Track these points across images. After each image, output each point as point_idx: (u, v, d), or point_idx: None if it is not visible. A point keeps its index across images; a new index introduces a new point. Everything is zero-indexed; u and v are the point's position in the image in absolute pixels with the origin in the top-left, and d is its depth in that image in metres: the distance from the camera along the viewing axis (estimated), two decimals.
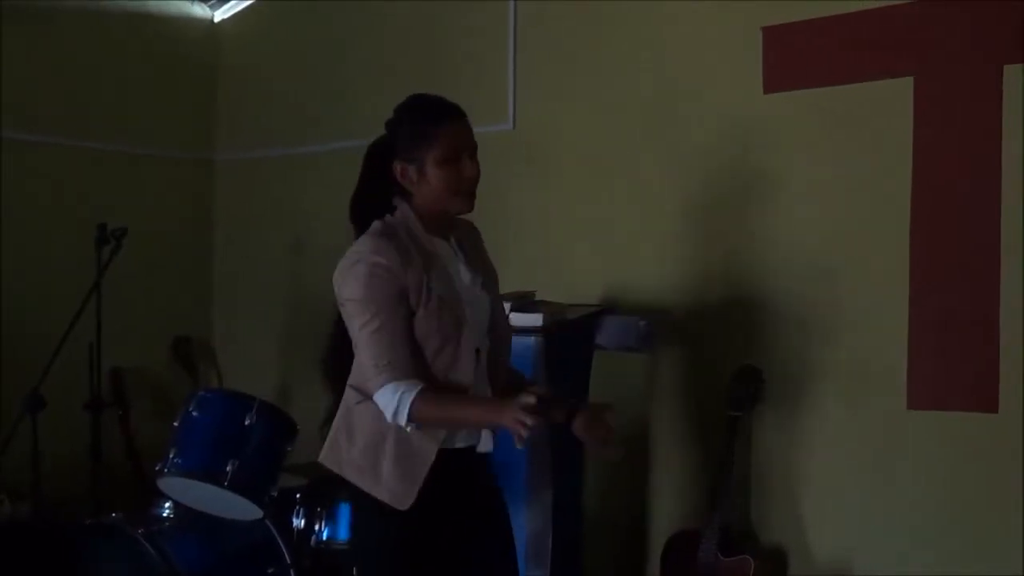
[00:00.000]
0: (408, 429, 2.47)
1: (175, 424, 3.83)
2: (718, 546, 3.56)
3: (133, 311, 4.80)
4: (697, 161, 3.99)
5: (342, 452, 2.61)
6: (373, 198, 2.66)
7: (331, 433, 2.66)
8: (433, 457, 2.52)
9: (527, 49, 4.46)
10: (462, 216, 2.67)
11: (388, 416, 2.46)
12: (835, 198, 3.72)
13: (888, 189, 3.60)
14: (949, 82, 3.50)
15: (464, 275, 2.64)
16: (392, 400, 2.44)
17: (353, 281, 2.54)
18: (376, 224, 2.60)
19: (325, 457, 2.66)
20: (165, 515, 3.92)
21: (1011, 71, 3.40)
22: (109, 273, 4.26)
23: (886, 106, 3.60)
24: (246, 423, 3.75)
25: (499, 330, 2.70)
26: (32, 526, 4.08)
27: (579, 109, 4.23)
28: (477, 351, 2.58)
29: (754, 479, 3.83)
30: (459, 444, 2.59)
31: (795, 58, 3.79)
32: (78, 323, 4.18)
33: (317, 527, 3.86)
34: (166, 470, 3.73)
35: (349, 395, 2.63)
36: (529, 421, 2.30)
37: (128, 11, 5.14)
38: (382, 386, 2.46)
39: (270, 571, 3.87)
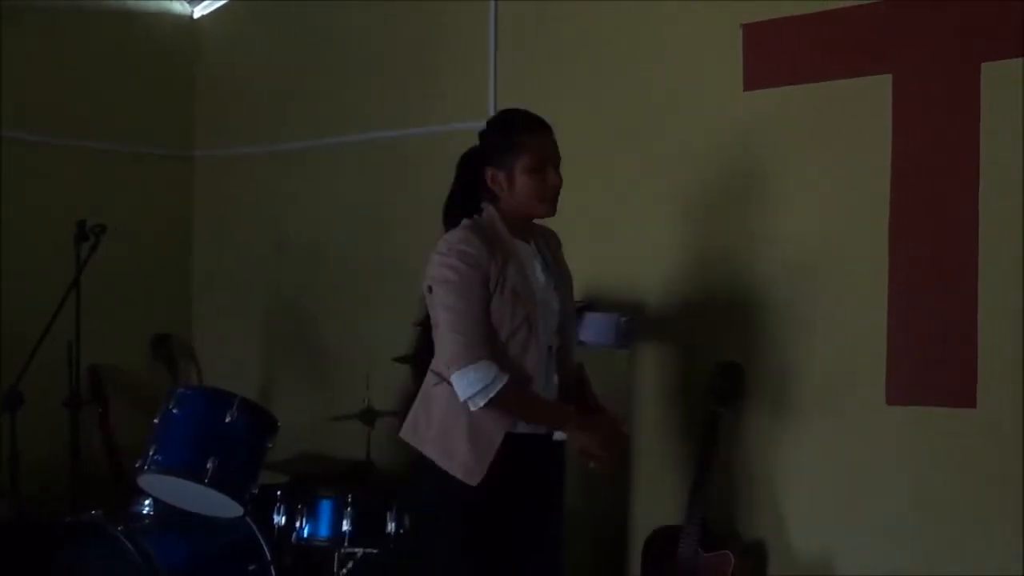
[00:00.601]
0: (472, 408, 2.70)
1: (155, 421, 3.83)
2: (699, 542, 3.57)
3: (112, 308, 4.77)
4: (677, 159, 4.00)
5: (420, 429, 2.87)
6: (464, 201, 2.90)
7: (411, 412, 2.92)
8: (501, 438, 2.77)
9: (508, 47, 4.45)
10: (545, 224, 3.00)
11: (462, 395, 2.70)
12: (814, 195, 3.73)
13: (867, 186, 3.61)
14: (927, 79, 3.52)
15: (539, 275, 2.90)
16: (475, 382, 2.68)
17: (442, 267, 2.76)
18: (465, 221, 2.85)
19: (405, 433, 2.92)
20: (145, 513, 3.93)
21: (989, 68, 3.41)
22: (88, 270, 4.24)
23: (865, 103, 3.61)
24: (226, 420, 3.77)
25: (568, 331, 2.96)
26: (11, 524, 4.05)
27: (559, 107, 4.12)
28: (549, 348, 2.87)
29: (735, 475, 3.84)
30: (526, 430, 2.82)
31: (775, 55, 3.79)
32: (57, 320, 4.16)
33: (298, 524, 3.87)
34: (146, 467, 3.73)
35: (429, 378, 2.88)
36: (595, 453, 2.74)
37: (107, 8, 5.11)
38: (464, 367, 2.69)
39: (251, 568, 3.88)
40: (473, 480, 2.76)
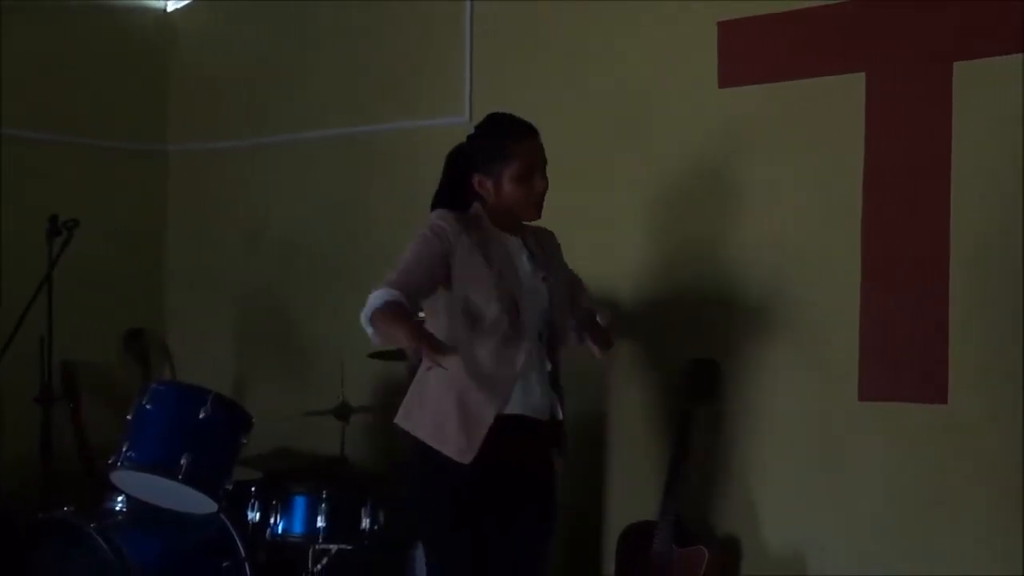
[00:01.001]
0: (368, 331, 2.68)
1: (128, 418, 3.81)
2: (673, 537, 3.59)
3: (85, 303, 4.74)
4: (652, 155, 4.01)
5: (413, 414, 2.93)
6: (451, 199, 2.95)
7: (406, 398, 2.98)
8: (491, 420, 2.83)
9: (484, 43, 4.45)
10: (539, 225, 3.06)
11: (362, 313, 2.69)
12: (788, 192, 3.75)
13: (840, 184, 3.64)
14: (900, 78, 3.55)
15: (525, 265, 2.96)
16: (373, 299, 2.68)
17: (416, 236, 2.85)
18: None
19: (399, 419, 2.97)
20: (118, 509, 3.91)
21: (961, 68, 3.45)
22: (60, 265, 4.20)
23: (839, 102, 3.64)
24: (200, 416, 3.75)
25: (557, 323, 3.00)
26: None
27: (534, 104, 4.11)
28: (540, 335, 2.93)
29: (709, 471, 3.86)
30: (519, 411, 2.88)
31: (750, 53, 3.82)
32: (29, 316, 4.13)
33: (272, 520, 3.86)
34: (119, 464, 3.71)
35: (423, 363, 2.87)
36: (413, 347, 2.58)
37: (80, 2, 5.07)
38: (375, 290, 2.70)
39: (225, 564, 3.87)
40: (466, 459, 2.82)
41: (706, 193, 3.92)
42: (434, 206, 2.97)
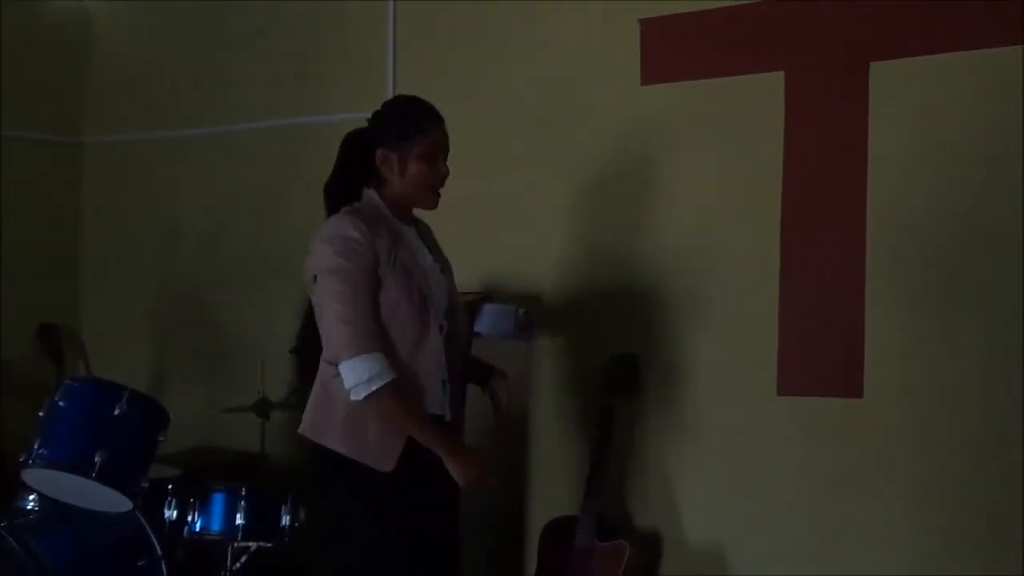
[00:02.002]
0: (352, 398, 2.65)
1: (40, 414, 3.74)
2: (595, 532, 3.60)
3: None
4: (575, 152, 4.04)
5: (324, 423, 2.80)
6: (347, 183, 2.87)
7: (310, 406, 2.86)
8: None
9: (407, 35, 4.45)
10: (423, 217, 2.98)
11: (347, 383, 2.64)
12: (709, 189, 3.80)
13: (761, 181, 3.69)
14: (818, 78, 3.61)
15: (427, 257, 2.90)
16: (362, 372, 2.63)
17: (328, 255, 2.71)
18: (345, 208, 2.81)
19: (305, 429, 2.85)
20: (30, 508, 3.84)
21: (878, 68, 3.52)
22: None
23: (759, 100, 3.70)
24: (116, 413, 3.70)
25: (456, 314, 2.92)
26: None
27: (457, 97, 4.13)
28: (440, 327, 2.82)
29: (630, 465, 3.90)
30: (435, 411, 2.81)
31: (672, 51, 3.86)
32: None
33: (190, 518, 3.83)
34: (31, 461, 3.64)
35: (325, 370, 2.81)
36: (477, 482, 2.73)
37: None
38: (354, 356, 2.64)
39: (140, 564, 3.82)
40: (387, 466, 2.73)
41: (627, 189, 3.95)
42: (328, 192, 2.88)
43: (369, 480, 2.74)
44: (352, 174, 2.88)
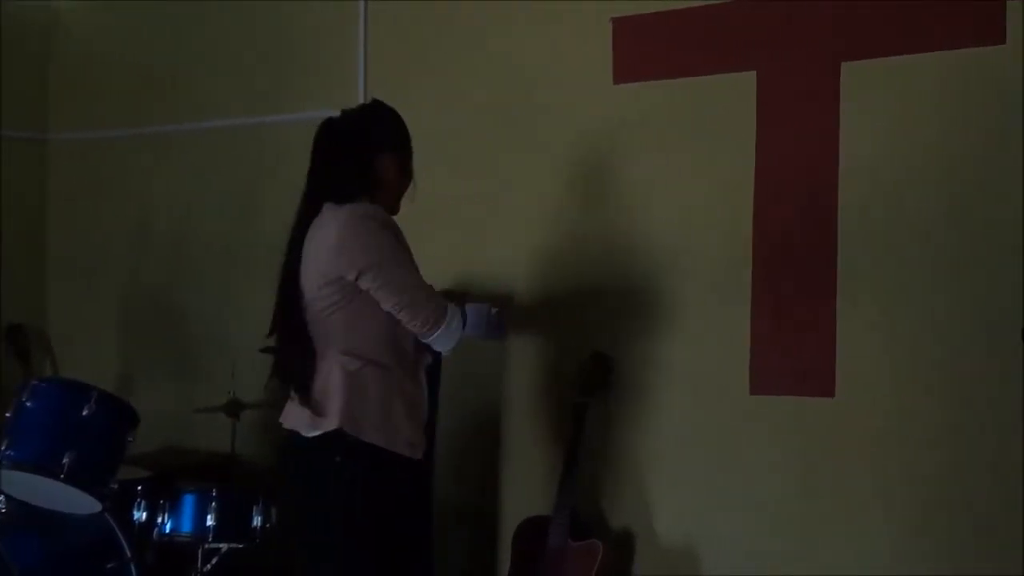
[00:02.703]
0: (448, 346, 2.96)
1: (7, 415, 3.71)
2: (568, 531, 3.63)
3: None
4: (546, 151, 4.06)
5: (357, 416, 2.82)
6: (359, 181, 2.91)
7: (340, 401, 2.82)
8: (427, 410, 2.99)
9: (379, 34, 4.46)
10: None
11: (451, 343, 2.97)
12: (681, 188, 3.83)
13: (732, 180, 3.72)
14: (789, 78, 3.65)
15: None
16: (456, 328, 2.95)
17: (382, 239, 2.84)
18: (365, 203, 2.88)
19: (341, 423, 2.82)
20: None
21: (848, 68, 3.56)
22: None
23: (731, 100, 3.73)
24: (84, 413, 3.67)
25: None
26: None
27: (428, 96, 4.25)
28: None
29: (603, 465, 3.92)
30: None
31: (644, 50, 3.88)
32: None
33: (160, 520, 3.81)
34: None
35: (348, 362, 2.84)
36: None
37: None
38: (446, 319, 2.92)
39: (109, 566, 3.80)
40: (418, 454, 2.89)
41: (599, 188, 3.97)
42: (337, 183, 2.89)
43: (400, 468, 2.86)
44: (358, 172, 2.92)
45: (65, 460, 3.57)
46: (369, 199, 2.91)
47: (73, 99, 5.27)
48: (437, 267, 4.20)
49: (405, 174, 3.03)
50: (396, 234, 2.89)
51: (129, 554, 3.82)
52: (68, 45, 5.29)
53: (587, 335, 3.95)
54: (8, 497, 3.77)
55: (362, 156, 2.93)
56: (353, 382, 2.85)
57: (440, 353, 3.07)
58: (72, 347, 5.12)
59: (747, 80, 3.70)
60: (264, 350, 3.84)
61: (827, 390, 3.58)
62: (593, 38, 3.95)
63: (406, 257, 2.91)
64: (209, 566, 3.82)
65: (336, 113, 3.05)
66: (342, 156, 2.92)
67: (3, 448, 3.62)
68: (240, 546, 3.81)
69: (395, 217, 2.99)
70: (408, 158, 3.04)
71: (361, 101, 4.30)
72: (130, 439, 3.82)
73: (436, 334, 2.91)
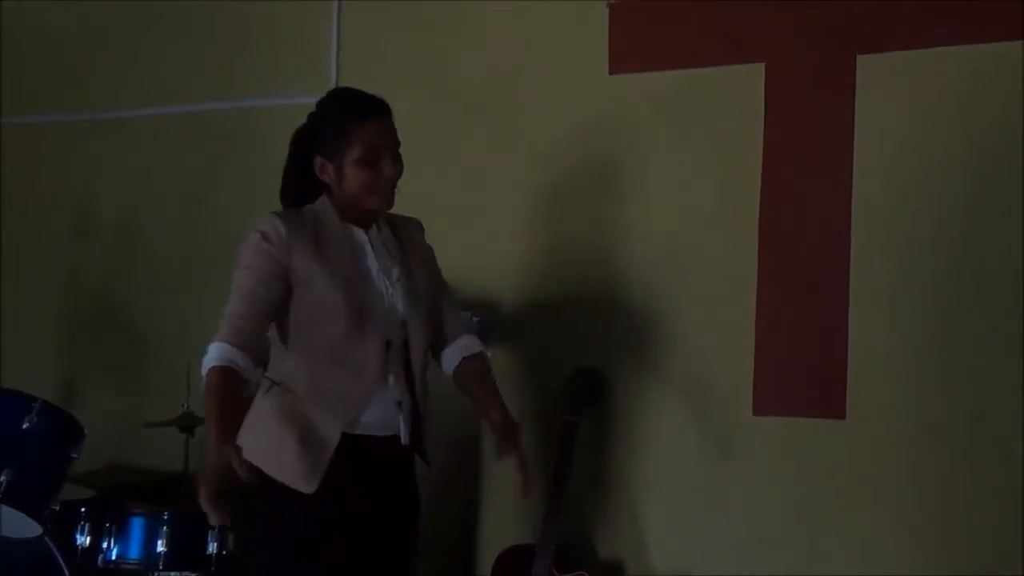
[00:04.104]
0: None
1: None
2: (553, 562, 3.57)
3: None
4: (535, 146, 4.02)
5: (250, 438, 2.74)
6: (299, 183, 2.89)
7: (243, 430, 2.80)
8: (336, 441, 2.75)
9: (352, 15, 4.41)
10: (397, 213, 2.99)
11: (204, 366, 2.74)
12: (681, 189, 3.79)
13: (737, 181, 3.69)
14: (801, 70, 3.62)
15: (373, 264, 2.87)
16: (207, 354, 2.72)
17: (243, 247, 2.80)
18: (288, 210, 2.87)
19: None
20: None
21: (865, 61, 3.54)
22: None
23: (737, 94, 3.70)
24: (24, 427, 3.66)
25: (413, 324, 2.89)
26: None
27: (408, 85, 4.17)
28: (388, 342, 2.83)
29: (593, 490, 3.87)
30: (375, 432, 2.83)
31: (643, 39, 3.85)
32: None
33: (105, 544, 3.78)
34: None
35: (262, 384, 2.89)
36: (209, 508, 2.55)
37: None
38: (214, 340, 2.73)
39: None
40: (307, 488, 2.73)
41: (591, 187, 3.95)
42: (282, 192, 2.92)
43: (290, 502, 2.73)
44: (303, 178, 2.87)
45: (3, 478, 3.57)
46: (326, 198, 2.88)
47: (19, 81, 5.14)
48: None
49: (352, 172, 2.80)
50: (262, 240, 2.76)
51: None
52: (14, 21, 5.17)
53: (577, 348, 3.90)
54: None
55: (304, 159, 2.88)
56: (255, 404, 2.86)
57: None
58: (10, 353, 5.01)
59: (755, 72, 3.67)
60: None
61: (837, 411, 3.53)
62: (587, 24, 3.90)
63: (253, 265, 2.76)
64: None
65: (303, 99, 3.05)
66: (288, 161, 2.94)
67: None
68: (193, 575, 3.75)
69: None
70: (341, 158, 2.80)
71: (332, 86, 4.26)
72: (74, 455, 3.80)
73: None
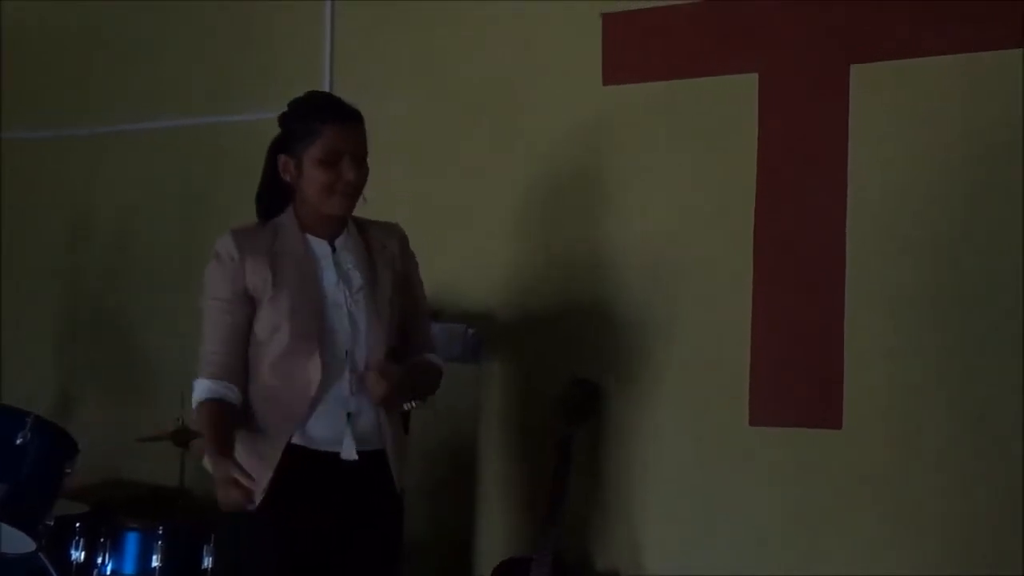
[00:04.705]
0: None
1: None
2: (550, 573, 3.56)
3: None
4: (529, 156, 4.02)
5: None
6: (272, 194, 2.91)
7: None
8: (277, 458, 2.77)
9: (346, 29, 4.43)
10: (384, 220, 3.03)
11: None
12: (675, 199, 3.79)
13: (732, 191, 3.69)
14: (795, 80, 3.62)
15: (330, 276, 2.86)
16: (193, 395, 2.81)
17: (206, 275, 2.88)
18: (250, 224, 2.92)
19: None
20: None
21: (858, 71, 3.54)
22: None
23: (731, 104, 3.70)
24: (17, 442, 3.66)
25: (373, 336, 2.87)
26: None
27: (402, 96, 4.22)
28: (347, 353, 2.83)
29: (589, 502, 3.87)
30: (331, 448, 2.81)
31: (637, 49, 3.85)
32: None
33: (99, 560, 3.78)
34: None
35: None
36: (230, 498, 2.56)
37: None
38: (198, 377, 2.82)
39: None
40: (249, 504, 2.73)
41: (585, 197, 3.95)
42: (256, 202, 2.94)
43: (240, 518, 2.72)
44: (274, 186, 2.90)
45: None
46: (292, 207, 2.90)
47: (17, 97, 5.17)
48: None
49: (310, 171, 2.80)
50: (217, 265, 2.84)
51: None
52: (12, 38, 5.20)
53: (572, 358, 3.90)
54: None
55: (271, 169, 2.90)
56: None
57: None
58: (5, 367, 5.01)
59: (748, 83, 3.67)
60: None
61: (834, 421, 3.52)
62: (581, 35, 3.91)
63: (215, 295, 2.84)
64: None
65: None
66: (263, 171, 2.95)
67: None
68: None
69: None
70: (300, 154, 2.81)
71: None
72: (68, 470, 3.81)
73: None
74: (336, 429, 2.83)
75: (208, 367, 2.80)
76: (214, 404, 2.77)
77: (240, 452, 2.72)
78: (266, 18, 4.60)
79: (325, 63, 4.43)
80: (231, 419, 2.79)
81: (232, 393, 2.79)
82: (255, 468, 2.70)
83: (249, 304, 2.82)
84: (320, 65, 4.43)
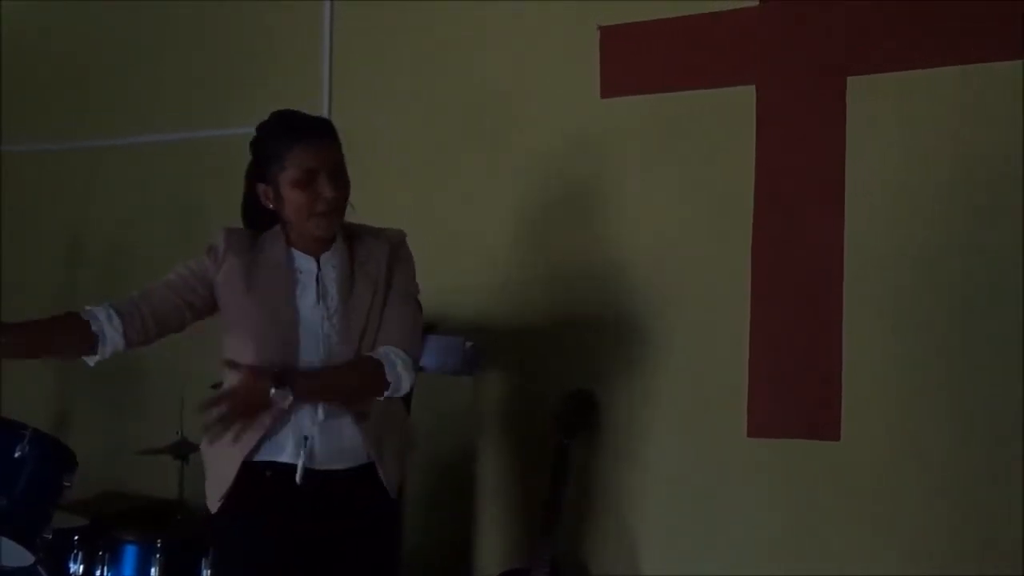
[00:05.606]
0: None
1: None
2: None
3: None
4: (527, 167, 4.05)
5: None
6: (255, 218, 2.91)
7: None
8: (233, 474, 2.79)
9: (343, 42, 4.46)
10: (389, 230, 3.00)
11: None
12: (673, 212, 3.81)
13: (730, 203, 3.71)
14: (792, 92, 3.64)
15: (308, 294, 2.83)
16: None
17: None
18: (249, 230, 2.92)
19: None
20: None
21: (855, 83, 3.55)
22: None
23: (728, 116, 3.72)
24: (16, 455, 3.63)
25: (346, 355, 2.82)
26: None
27: (401, 109, 4.25)
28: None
29: (587, 513, 3.88)
30: (274, 458, 2.80)
31: (634, 62, 3.87)
32: None
33: (98, 572, 3.78)
34: None
35: None
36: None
37: None
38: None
39: None
40: (211, 506, 2.85)
41: (582, 209, 3.96)
42: (242, 215, 2.95)
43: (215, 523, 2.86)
44: (256, 209, 2.89)
45: None
46: (280, 225, 2.89)
47: (13, 111, 5.21)
48: None
49: (289, 195, 2.76)
50: (207, 252, 2.88)
51: None
52: (17, 54, 5.25)
53: (569, 370, 3.92)
54: None
55: (248, 194, 2.91)
56: None
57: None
58: (3, 380, 5.02)
59: (746, 95, 3.69)
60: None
61: (832, 433, 3.54)
62: (578, 48, 3.93)
63: (189, 265, 2.90)
64: None
65: None
66: (244, 193, 2.95)
67: None
68: None
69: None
70: (277, 181, 2.77)
71: (325, 114, 4.31)
72: (67, 483, 3.78)
73: None
74: (283, 443, 2.82)
75: (118, 300, 2.82)
76: (74, 313, 2.76)
77: (210, 471, 2.86)
78: (265, 33, 4.63)
79: (324, 76, 4.45)
80: (57, 323, 2.76)
81: (105, 320, 2.77)
82: (218, 484, 2.82)
83: (205, 289, 2.85)
84: (319, 79, 4.45)
